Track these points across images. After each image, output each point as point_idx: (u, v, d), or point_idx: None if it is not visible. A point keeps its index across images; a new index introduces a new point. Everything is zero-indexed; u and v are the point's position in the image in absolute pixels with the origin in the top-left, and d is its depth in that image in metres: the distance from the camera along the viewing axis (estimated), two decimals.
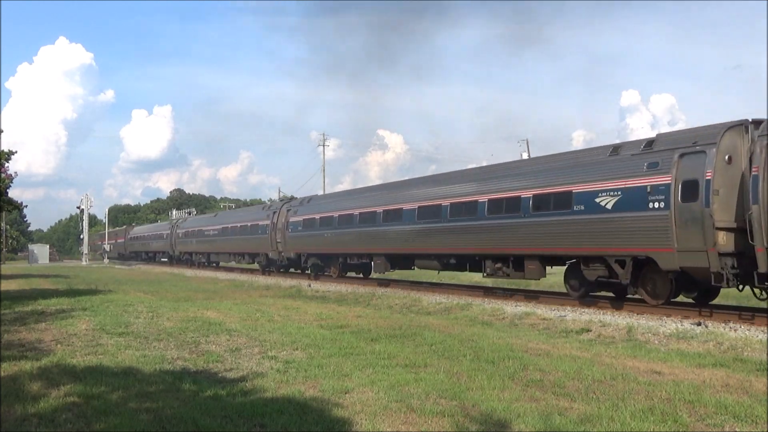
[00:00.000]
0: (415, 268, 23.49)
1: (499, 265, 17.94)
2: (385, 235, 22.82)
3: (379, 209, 23.39)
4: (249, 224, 36.28)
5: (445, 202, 19.83)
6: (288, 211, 31.33)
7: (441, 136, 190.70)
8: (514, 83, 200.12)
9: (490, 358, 9.14)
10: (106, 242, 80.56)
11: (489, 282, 21.50)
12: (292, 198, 34.38)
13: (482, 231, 18.20)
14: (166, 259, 57.42)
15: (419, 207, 21.05)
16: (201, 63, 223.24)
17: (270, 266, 34.67)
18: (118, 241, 75.48)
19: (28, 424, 6.06)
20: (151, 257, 63.30)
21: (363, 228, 24.30)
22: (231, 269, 41.69)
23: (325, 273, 29.03)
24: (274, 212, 33.03)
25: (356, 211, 25.01)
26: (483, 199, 18.25)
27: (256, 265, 37.67)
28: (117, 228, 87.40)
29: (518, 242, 16.99)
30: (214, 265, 45.22)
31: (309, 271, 30.51)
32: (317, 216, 28.20)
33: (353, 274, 28.57)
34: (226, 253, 41.18)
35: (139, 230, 71.09)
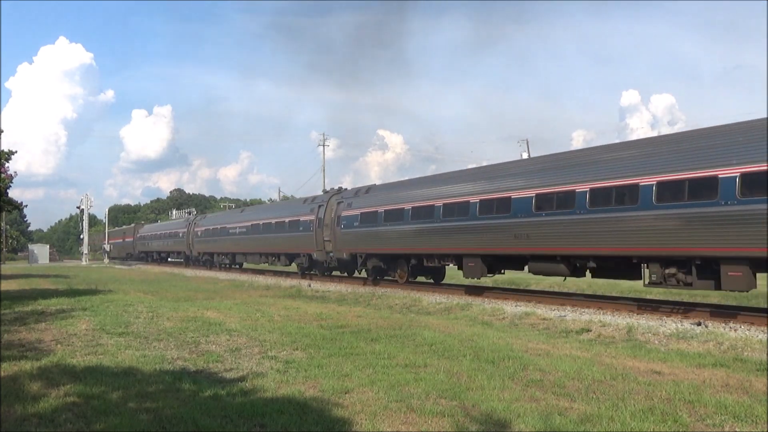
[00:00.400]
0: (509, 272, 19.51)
1: (672, 270, 13.81)
2: (484, 231, 18.31)
3: (474, 199, 18.73)
4: (287, 220, 31.36)
5: (582, 188, 15.34)
6: (339, 203, 26.54)
7: (441, 136, 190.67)
8: (513, 83, 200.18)
9: (490, 358, 9.14)
10: (107, 242, 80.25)
11: (489, 282, 21.43)
12: (340, 189, 29.26)
13: (646, 223, 13.84)
14: (181, 260, 52.58)
15: (537, 195, 16.60)
16: (201, 63, 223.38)
17: (313, 268, 29.98)
18: (126, 240, 70.33)
19: (28, 424, 6.06)
20: (163, 258, 58.67)
21: (449, 222, 19.69)
22: (261, 272, 37.05)
23: (386, 277, 24.76)
24: (320, 205, 28.18)
25: (439, 202, 20.30)
26: (648, 182, 13.94)
27: (292, 268, 33.24)
28: (125, 226, 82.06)
29: (714, 240, 12.65)
30: (237, 267, 41.00)
31: (367, 275, 25.91)
32: (380, 209, 23.38)
33: (423, 279, 23.85)
34: (255, 253, 35.89)
35: (149, 229, 65.21)
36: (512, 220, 17.27)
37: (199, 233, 45.73)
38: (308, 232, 28.73)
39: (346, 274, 28.69)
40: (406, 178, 27.66)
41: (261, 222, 34.88)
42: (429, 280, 23.60)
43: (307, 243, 28.94)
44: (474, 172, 21.15)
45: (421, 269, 22.77)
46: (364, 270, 26.18)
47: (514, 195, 17.34)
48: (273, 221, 33.22)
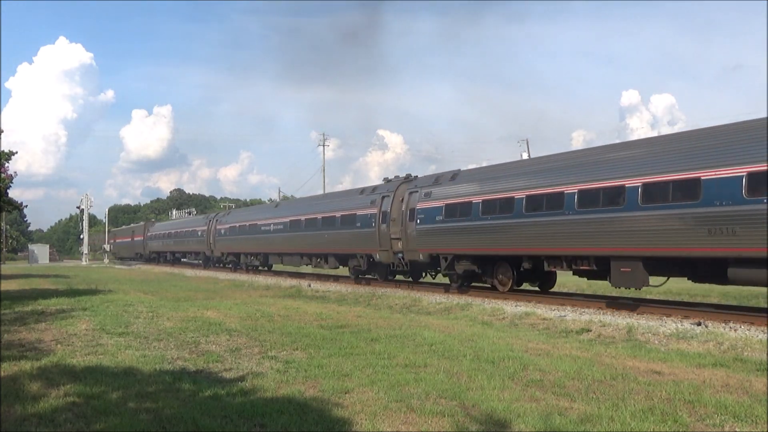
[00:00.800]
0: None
1: None
2: (650, 224, 13.74)
3: (633, 183, 14.20)
4: (338, 215, 26.74)
5: None
6: (412, 193, 22.12)
7: (440, 135, 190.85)
8: (512, 82, 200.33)
9: (490, 358, 9.14)
10: (107, 242, 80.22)
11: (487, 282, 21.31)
12: (409, 177, 24.12)
13: None
14: (200, 262, 47.90)
15: (750, 174, 12.06)
16: (201, 63, 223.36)
17: (372, 272, 25.52)
18: (135, 239, 64.83)
19: (28, 424, 6.06)
20: (177, 259, 54.15)
21: (589, 214, 15.15)
22: (281, 273, 33.86)
23: (474, 284, 20.71)
24: (384, 196, 23.79)
25: (572, 188, 15.69)
26: None
27: (340, 271, 28.93)
28: (133, 225, 76.76)
29: None
30: (266, 269, 37.23)
31: (451, 281, 21.29)
32: (476, 198, 18.89)
33: (527, 286, 19.68)
34: (295, 254, 31.13)
35: (162, 227, 59.95)
36: (705, 209, 12.75)
37: (222, 231, 40.98)
38: (368, 229, 24.11)
39: (410, 279, 24.20)
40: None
41: (303, 217, 30.22)
42: (534, 288, 19.57)
43: (366, 241, 24.34)
44: (631, 147, 15.74)
45: (529, 274, 18.54)
46: (443, 274, 21.83)
47: (707, 175, 12.79)
48: (319, 216, 28.57)
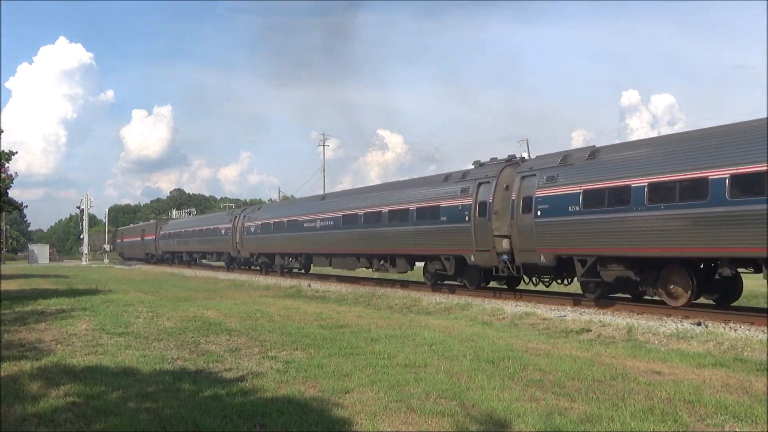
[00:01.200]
0: None
1: None
2: None
3: None
4: (412, 207, 21.92)
5: None
6: (525, 178, 17.34)
7: (440, 135, 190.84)
8: (511, 82, 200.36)
9: (490, 358, 9.14)
10: (107, 242, 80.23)
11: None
12: (512, 158, 19.75)
13: None
14: (222, 263, 44.04)
15: None
16: (201, 63, 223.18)
17: (460, 277, 20.48)
18: (146, 238, 59.93)
19: (28, 424, 6.06)
20: (194, 260, 49.88)
21: None
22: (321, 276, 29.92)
23: (610, 296, 16.39)
24: (481, 183, 19.05)
25: None
26: None
27: (410, 275, 25.38)
28: (142, 223, 72.85)
29: None
30: (303, 272, 32.74)
31: (583, 291, 16.85)
32: (637, 182, 14.12)
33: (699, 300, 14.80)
34: (350, 254, 26.25)
35: (177, 225, 55.02)
36: None
37: (252, 229, 36.18)
38: (459, 224, 19.47)
39: (505, 286, 20.14)
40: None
41: (361, 211, 25.34)
42: (709, 301, 15.11)
43: (455, 239, 19.70)
44: None
45: (713, 283, 14.49)
46: (566, 282, 18.06)
47: None
48: (384, 210, 23.62)
